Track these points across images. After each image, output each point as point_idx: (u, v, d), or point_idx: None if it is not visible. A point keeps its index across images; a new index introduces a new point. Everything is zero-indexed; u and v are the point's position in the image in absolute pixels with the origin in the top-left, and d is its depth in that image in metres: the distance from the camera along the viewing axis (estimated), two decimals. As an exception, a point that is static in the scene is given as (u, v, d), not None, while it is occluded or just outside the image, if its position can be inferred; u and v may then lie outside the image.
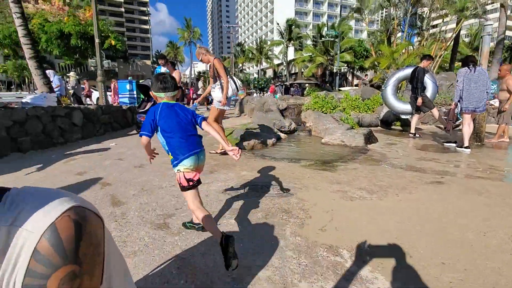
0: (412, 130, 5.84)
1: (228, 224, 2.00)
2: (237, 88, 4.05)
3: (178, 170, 1.81)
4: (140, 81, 6.64)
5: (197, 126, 1.93)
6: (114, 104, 10.29)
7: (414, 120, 5.86)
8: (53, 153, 4.40)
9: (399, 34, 19.33)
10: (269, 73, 50.81)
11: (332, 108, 7.66)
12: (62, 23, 24.99)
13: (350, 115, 7.28)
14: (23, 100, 4.56)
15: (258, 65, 45.76)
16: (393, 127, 7.33)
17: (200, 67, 77.47)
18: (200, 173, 1.91)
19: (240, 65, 51.28)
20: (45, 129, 4.69)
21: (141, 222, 2.03)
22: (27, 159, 4.01)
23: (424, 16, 15.75)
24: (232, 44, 44.76)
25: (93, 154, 4.28)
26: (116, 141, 5.38)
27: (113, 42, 27.58)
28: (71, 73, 9.97)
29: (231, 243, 1.39)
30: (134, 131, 6.44)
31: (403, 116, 6.38)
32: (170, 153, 1.86)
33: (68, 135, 5.11)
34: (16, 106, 4.21)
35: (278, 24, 38.73)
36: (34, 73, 8.76)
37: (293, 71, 44.27)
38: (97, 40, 8.26)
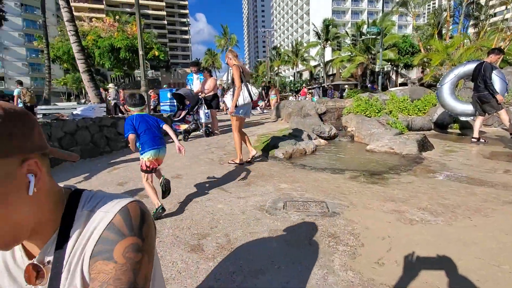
0: (476, 134, 5.08)
1: (264, 248, 1.78)
2: (250, 96, 3.85)
3: (142, 158, 2.54)
4: (176, 90, 6.80)
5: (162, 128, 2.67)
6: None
7: (478, 123, 5.09)
8: (99, 162, 4.61)
9: (451, 27, 17.57)
10: (306, 75, 49.90)
11: (377, 111, 7.08)
12: (112, 38, 27.30)
13: (398, 118, 6.64)
14: (74, 112, 4.88)
15: (294, 67, 45.21)
16: (449, 130, 6.52)
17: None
18: (160, 164, 2.73)
19: (276, 68, 51.17)
20: (93, 139, 4.96)
21: (175, 242, 1.91)
22: (77, 168, 4.24)
23: (483, 4, 14.05)
24: (267, 48, 44.88)
25: (134, 163, 4.39)
26: (156, 149, 5.50)
27: (156, 53, 29.35)
28: (110, 85, 10.68)
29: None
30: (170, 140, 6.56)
31: (462, 118, 5.61)
32: (140, 147, 2.52)
33: (114, 144, 5.36)
34: (67, 118, 4.51)
35: (314, 25, 37.91)
36: (87, 85, 9.55)
37: (330, 72, 42.92)
38: (141, 52, 8.71)
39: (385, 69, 25.23)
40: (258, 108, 15.42)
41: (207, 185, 3.11)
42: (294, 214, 2.26)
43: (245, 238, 1.91)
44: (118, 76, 33.43)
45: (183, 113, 6.26)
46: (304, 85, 27.57)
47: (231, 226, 2.10)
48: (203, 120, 6.54)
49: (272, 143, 4.99)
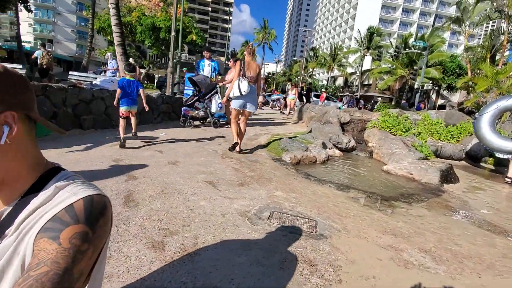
0: (510, 174, 4.52)
1: (229, 262, 1.59)
2: (240, 92, 4.10)
3: (120, 109, 3.97)
4: (192, 75, 6.70)
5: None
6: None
7: (516, 163, 4.52)
8: (107, 134, 4.64)
9: (507, 53, 16.06)
10: (340, 81, 48.42)
11: (404, 130, 6.56)
12: (155, 17, 28.01)
13: (425, 142, 6.11)
14: (93, 82, 4.93)
15: (329, 72, 43.99)
16: (482, 164, 5.89)
17: (271, 67, 78.56)
18: (133, 114, 4.24)
19: (311, 70, 50.13)
20: (107, 110, 5.00)
21: (139, 233, 1.77)
22: (84, 137, 4.28)
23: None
24: (305, 48, 43.99)
25: (140, 141, 4.36)
26: (167, 131, 5.47)
27: (194, 37, 29.75)
28: (130, 60, 10.91)
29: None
30: (186, 124, 6.50)
31: (499, 155, 5.01)
32: (120, 101, 3.93)
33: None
34: (84, 87, 4.56)
35: (359, 31, 36.48)
36: (119, 59, 9.77)
37: (366, 82, 41.28)
38: (173, 34, 8.74)
39: (425, 87, 23.71)
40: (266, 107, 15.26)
41: (199, 177, 2.96)
42: (277, 228, 2.04)
43: (214, 245, 1.73)
44: (155, 55, 34.37)
45: (194, 99, 6.22)
46: (323, 89, 26.40)
47: (205, 228, 1.93)
48: (213, 110, 6.41)
49: (283, 145, 4.76)
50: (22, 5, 13.74)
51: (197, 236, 1.81)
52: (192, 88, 10.06)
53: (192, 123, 6.31)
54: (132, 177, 2.74)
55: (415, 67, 24.99)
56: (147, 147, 4.04)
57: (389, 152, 5.43)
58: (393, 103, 28.45)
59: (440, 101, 31.18)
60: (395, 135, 6.39)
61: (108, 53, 10.26)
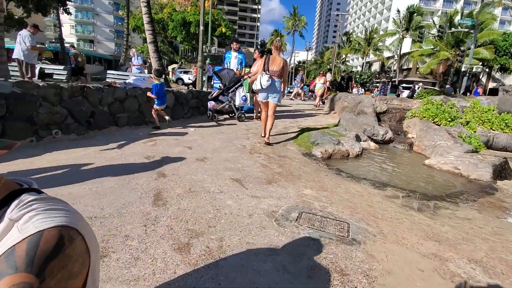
0: None
1: (254, 268, 1.53)
2: (260, 86, 4.32)
3: (156, 106, 4.97)
4: (216, 69, 6.69)
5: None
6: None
7: None
8: (141, 131, 4.82)
9: None
10: (375, 66, 45.72)
11: (449, 119, 5.97)
12: (186, 12, 28.51)
13: (475, 132, 5.51)
14: (126, 81, 5.13)
15: (364, 57, 41.65)
16: (545, 157, 5.17)
17: (302, 56, 76.51)
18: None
19: (344, 56, 47.89)
20: (140, 108, 5.19)
21: (166, 234, 1.79)
22: (120, 134, 4.49)
23: None
24: (338, 33, 42.01)
25: (171, 138, 4.47)
26: (196, 126, 5.55)
27: (223, 30, 29.85)
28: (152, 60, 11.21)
29: None
30: (211, 118, 6.55)
31: None
32: (156, 101, 4.93)
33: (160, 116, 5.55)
34: (119, 86, 4.75)
35: (398, 11, 33.80)
36: (151, 56, 10.11)
37: (405, 66, 38.47)
38: (201, 28, 8.79)
39: (474, 70, 21.45)
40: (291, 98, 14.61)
41: (227, 174, 2.94)
42: (306, 231, 1.94)
43: (239, 248, 1.69)
44: (187, 49, 35.17)
45: (217, 92, 6.24)
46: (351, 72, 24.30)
47: (231, 229, 1.90)
48: (237, 103, 6.35)
49: (313, 139, 4.58)
50: (62, 8, 14.78)
51: (222, 238, 1.78)
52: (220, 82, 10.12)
53: (216, 117, 6.36)
54: (162, 175, 2.79)
55: (462, 48, 22.64)
56: (177, 143, 4.12)
57: (431, 144, 4.99)
58: (436, 88, 26.27)
59: (491, 85, 28.09)
60: (439, 125, 5.85)
61: (133, 50, 10.64)
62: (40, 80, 6.99)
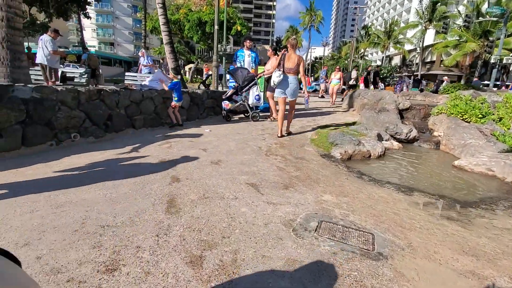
0: None
1: (271, 286, 1.42)
2: (273, 82, 4.64)
3: (175, 102, 5.20)
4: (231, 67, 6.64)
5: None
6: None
7: None
8: (157, 133, 4.82)
9: None
10: (396, 60, 44.10)
11: (480, 116, 5.56)
12: (201, 12, 28.67)
13: (509, 129, 5.09)
14: (142, 83, 5.15)
15: (384, 51, 40.22)
16: None
17: (318, 52, 75.18)
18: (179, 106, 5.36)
19: (362, 50, 46.50)
20: (156, 110, 5.20)
21: (178, 245, 1.71)
22: (136, 136, 4.51)
23: None
24: (356, 26, 40.79)
25: (186, 139, 4.43)
26: (211, 127, 5.49)
27: (239, 28, 29.77)
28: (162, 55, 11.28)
29: None
30: (224, 117, 6.47)
31: None
32: (175, 97, 5.17)
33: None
34: (135, 88, 4.77)
35: (420, 0, 32.25)
36: (168, 57, 10.14)
37: (428, 59, 36.78)
38: (216, 27, 8.73)
39: (504, 61, 20.10)
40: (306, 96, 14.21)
41: (242, 178, 2.84)
42: (326, 243, 1.80)
43: (254, 263, 1.58)
44: (203, 49, 35.44)
45: (231, 92, 6.18)
46: (370, 66, 23.07)
47: (246, 240, 1.79)
48: (250, 102, 6.24)
49: (332, 139, 4.39)
50: (81, 12, 15.30)
51: (237, 251, 1.68)
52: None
53: (230, 117, 6.35)
54: (176, 179, 2.73)
55: (490, 38, 21.27)
56: (192, 145, 4.08)
57: (461, 144, 4.66)
58: (462, 81, 24.92)
59: (524, 76, 26.24)
60: (469, 122, 5.46)
61: (142, 50, 10.77)
62: (62, 84, 7.22)
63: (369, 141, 4.40)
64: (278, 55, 5.32)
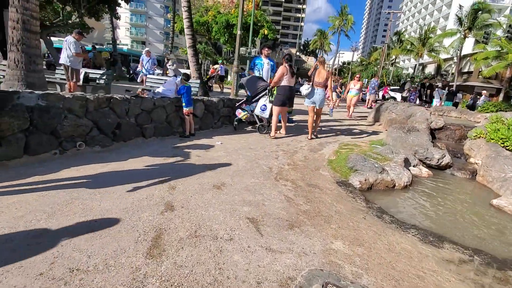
0: None
1: None
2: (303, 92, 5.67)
3: (184, 108, 5.05)
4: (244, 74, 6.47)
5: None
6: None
7: None
8: (166, 143, 4.65)
9: None
10: (430, 69, 41.73)
11: (527, 144, 4.84)
12: (229, 15, 28.82)
13: None
14: (155, 90, 5.02)
15: (417, 58, 38.22)
16: None
17: (346, 57, 73.31)
18: (191, 112, 5.16)
19: (394, 57, 44.54)
20: (168, 118, 5.03)
21: (149, 308, 1.43)
22: (145, 146, 4.36)
23: None
24: (388, 33, 39.17)
25: (194, 153, 4.20)
26: (224, 139, 5.25)
27: (266, 32, 29.58)
28: (171, 56, 11.21)
29: None
30: (249, 128, 6.20)
31: None
32: (184, 102, 5.02)
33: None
34: (146, 96, 4.63)
35: (460, 7, 30.23)
36: (190, 60, 10.14)
37: (466, 69, 34.41)
38: (238, 32, 8.52)
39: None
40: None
41: (243, 210, 2.53)
42: (329, 321, 1.45)
43: None
44: (229, 51, 35.64)
45: (242, 100, 6.04)
46: (409, 80, 21.41)
47: (230, 307, 1.48)
48: (256, 112, 5.95)
49: (351, 164, 3.96)
50: (109, 13, 15.85)
51: (216, 324, 1.37)
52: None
53: (236, 126, 6.28)
54: (170, 207, 2.48)
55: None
56: (198, 161, 3.84)
57: (501, 177, 4.04)
58: (501, 95, 23.03)
59: None
60: (513, 151, 4.77)
61: (146, 49, 10.73)
62: (85, 84, 7.33)
63: (395, 168, 3.92)
64: (287, 66, 5.43)
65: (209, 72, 17.17)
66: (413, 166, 4.50)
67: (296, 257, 1.95)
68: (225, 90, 15.58)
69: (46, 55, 18.19)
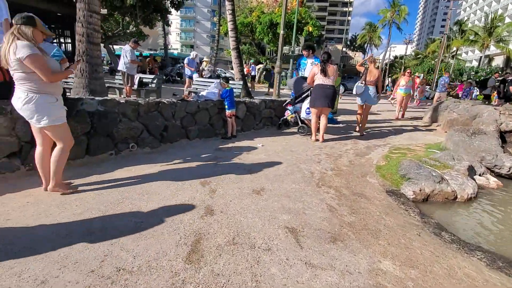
0: None
1: None
2: (356, 92, 6.08)
3: (227, 111, 5.12)
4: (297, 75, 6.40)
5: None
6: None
7: None
8: (209, 144, 4.78)
9: None
10: (498, 61, 36.61)
11: None
12: (273, 14, 28.77)
13: None
14: (200, 94, 5.18)
15: (482, 50, 33.79)
16: None
17: (398, 50, 68.13)
18: (234, 115, 5.34)
19: (454, 49, 40.03)
20: (211, 120, 5.17)
21: (186, 316, 1.44)
22: (189, 147, 4.53)
23: None
24: (447, 22, 35.30)
25: (235, 155, 4.24)
26: (265, 141, 5.21)
27: (310, 29, 28.87)
28: (205, 58, 11.27)
29: None
30: (291, 130, 6.09)
31: None
32: (226, 105, 5.10)
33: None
34: (191, 99, 4.81)
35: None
36: (234, 62, 10.34)
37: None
38: (281, 32, 8.42)
39: None
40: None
41: (282, 218, 2.45)
42: None
43: None
44: (272, 51, 35.64)
45: (288, 101, 6.00)
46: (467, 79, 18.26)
47: (266, 325, 1.42)
48: (302, 115, 5.77)
49: (404, 171, 3.62)
50: (161, 20, 16.96)
51: None
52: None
53: (282, 127, 6.32)
54: (210, 211, 2.52)
55: None
56: (238, 164, 3.85)
57: None
58: None
59: None
60: None
61: (193, 52, 11.00)
62: (139, 89, 7.94)
63: (457, 178, 3.47)
64: (319, 65, 5.11)
65: (245, 71, 17.42)
66: (479, 175, 3.94)
67: (339, 275, 1.81)
68: (260, 90, 15.60)
69: (109, 62, 20.25)
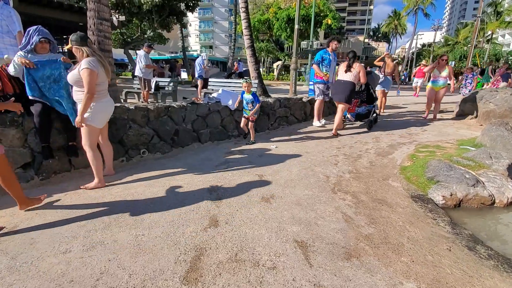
0: None
1: None
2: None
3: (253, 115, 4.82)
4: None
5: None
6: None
7: None
8: (220, 148, 4.66)
9: None
10: (544, 42, 33.18)
11: None
12: (290, 9, 28.21)
13: None
14: (211, 95, 5.07)
15: (524, 31, 30.82)
16: None
17: (426, 38, 64.37)
18: (255, 119, 4.95)
19: (490, 32, 36.95)
20: (223, 122, 5.05)
21: None
22: (200, 151, 4.44)
23: None
24: (481, 4, 32.62)
25: (246, 159, 4.08)
26: (279, 142, 5.00)
27: (329, 22, 27.96)
28: (203, 55, 11.03)
29: None
30: (308, 129, 5.82)
31: None
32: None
33: (242, 129, 5.29)
34: (201, 102, 4.71)
35: None
36: (249, 60, 10.17)
37: None
38: (296, 26, 8.13)
39: None
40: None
41: (291, 230, 2.25)
42: None
43: None
44: (290, 47, 35.01)
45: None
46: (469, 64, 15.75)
47: None
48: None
49: (432, 173, 3.26)
50: (178, 23, 17.19)
51: None
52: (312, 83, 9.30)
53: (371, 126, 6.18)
54: (214, 222, 2.37)
55: None
56: (249, 168, 3.68)
57: None
58: None
59: None
60: None
61: (203, 54, 10.89)
62: (156, 92, 8.02)
63: (494, 179, 3.06)
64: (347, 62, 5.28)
65: (234, 69, 17.26)
66: (523, 175, 3.46)
67: (352, 300, 1.59)
68: (278, 87, 15.24)
69: (130, 67, 20.95)
